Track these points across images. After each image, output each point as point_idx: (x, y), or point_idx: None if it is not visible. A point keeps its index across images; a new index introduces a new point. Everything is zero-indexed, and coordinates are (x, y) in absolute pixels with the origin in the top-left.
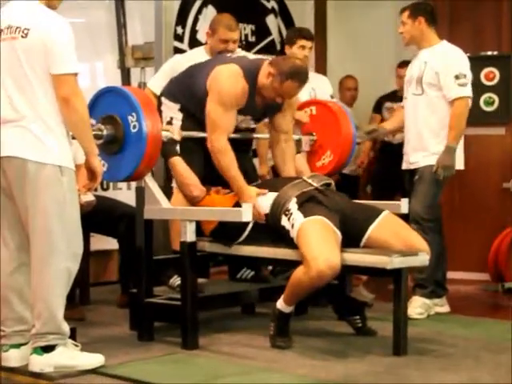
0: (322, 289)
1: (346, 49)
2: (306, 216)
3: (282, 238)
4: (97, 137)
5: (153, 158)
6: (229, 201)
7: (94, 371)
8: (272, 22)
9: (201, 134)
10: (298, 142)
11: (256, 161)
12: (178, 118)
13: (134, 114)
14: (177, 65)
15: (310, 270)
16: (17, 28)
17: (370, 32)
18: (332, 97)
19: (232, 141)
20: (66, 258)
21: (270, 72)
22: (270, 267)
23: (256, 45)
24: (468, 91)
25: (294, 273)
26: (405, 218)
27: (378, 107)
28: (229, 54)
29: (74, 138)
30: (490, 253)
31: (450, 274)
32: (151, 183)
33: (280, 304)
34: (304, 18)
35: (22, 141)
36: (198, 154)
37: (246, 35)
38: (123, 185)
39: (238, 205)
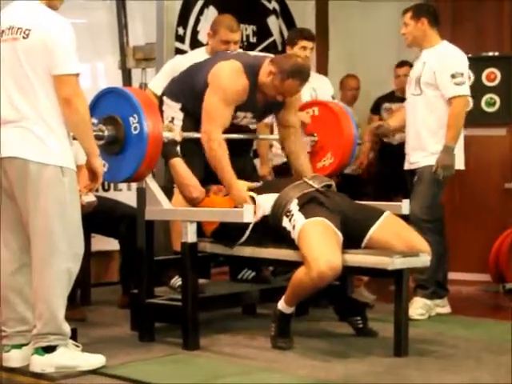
0: (323, 290)
1: (347, 49)
2: (307, 217)
3: (283, 239)
4: (98, 137)
5: (154, 159)
6: (229, 202)
7: (94, 372)
8: (273, 22)
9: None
10: None
11: (257, 161)
12: (179, 117)
13: (135, 115)
14: (178, 65)
15: (311, 270)
16: (18, 29)
17: (372, 32)
18: (333, 97)
19: (232, 141)
20: (67, 259)
21: (271, 70)
22: (271, 268)
23: (257, 46)
24: (465, 90)
25: (295, 274)
26: (406, 218)
27: (376, 108)
28: (229, 51)
29: (75, 138)
30: (491, 253)
31: (451, 275)
32: (152, 184)
33: (281, 305)
34: (305, 18)
35: (23, 141)
36: (198, 155)
37: (248, 36)
38: (124, 185)
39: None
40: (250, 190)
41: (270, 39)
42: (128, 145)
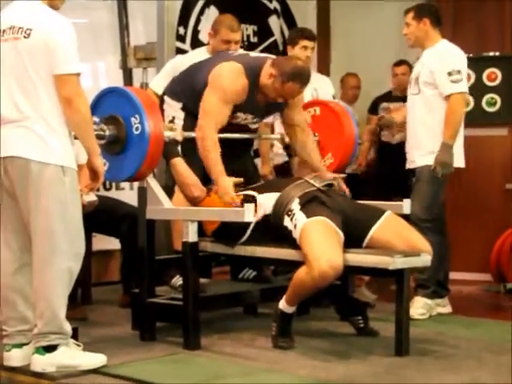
0: (325, 289)
1: (348, 48)
2: (308, 216)
3: (285, 238)
4: (99, 137)
5: (155, 159)
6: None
7: (95, 371)
8: (274, 22)
9: None
10: None
11: (258, 161)
12: (180, 117)
13: (137, 115)
14: (179, 65)
15: (313, 270)
16: (19, 28)
17: (373, 31)
18: (334, 97)
19: (233, 141)
20: (68, 258)
21: (271, 73)
22: (272, 267)
23: (258, 45)
24: (462, 87)
25: (297, 273)
26: (407, 218)
27: (374, 108)
28: (231, 52)
29: (76, 138)
30: (492, 253)
31: (452, 275)
32: (153, 183)
33: (282, 304)
34: (306, 18)
35: (25, 141)
36: (198, 153)
37: (248, 36)
38: (126, 185)
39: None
40: (240, 185)
41: (271, 39)
42: (129, 144)
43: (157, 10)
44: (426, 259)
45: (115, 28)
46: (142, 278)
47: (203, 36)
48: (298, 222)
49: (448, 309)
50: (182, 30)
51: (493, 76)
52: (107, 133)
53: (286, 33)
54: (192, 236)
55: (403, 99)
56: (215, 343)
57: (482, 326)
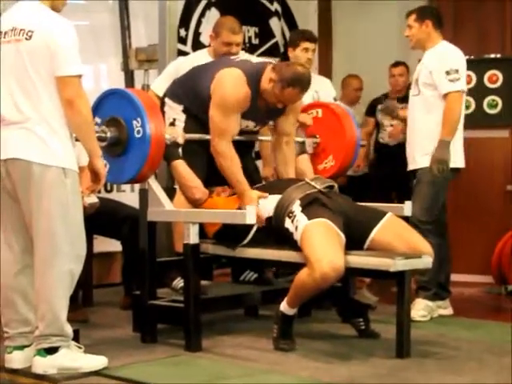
0: (326, 291)
1: (350, 50)
2: (309, 218)
3: (286, 240)
4: (100, 139)
5: (156, 161)
6: (231, 203)
7: (97, 373)
8: (275, 24)
9: (204, 137)
10: (302, 144)
11: (259, 163)
12: (181, 119)
13: (138, 118)
14: (180, 67)
15: (314, 271)
16: (21, 30)
17: (375, 33)
18: (335, 99)
19: (234, 142)
20: (70, 260)
21: (271, 78)
22: (274, 269)
23: (259, 47)
24: (459, 85)
25: (298, 275)
26: (407, 220)
27: (371, 110)
28: (233, 57)
29: (77, 139)
30: (493, 255)
31: (454, 277)
32: (155, 185)
33: (283, 306)
34: (307, 19)
35: (26, 143)
36: (200, 155)
37: (250, 38)
38: (127, 187)
39: (241, 207)
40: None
41: (273, 41)
42: (131, 147)
43: (158, 12)
44: (427, 261)
45: (116, 30)
46: (143, 279)
47: (204, 38)
48: (299, 223)
49: (449, 311)
50: (183, 32)
51: (494, 78)
52: (108, 135)
53: (288, 34)
54: (193, 238)
55: (401, 100)
56: (216, 345)
57: (484, 328)
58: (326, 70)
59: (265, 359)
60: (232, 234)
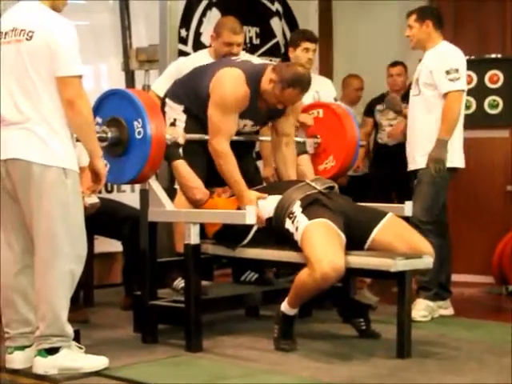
0: (326, 291)
1: (350, 50)
2: (310, 219)
3: (286, 240)
4: (101, 139)
5: (157, 161)
6: (232, 204)
7: (97, 373)
8: (276, 24)
9: (204, 137)
10: (303, 144)
11: (260, 163)
12: (182, 119)
13: (139, 119)
14: (181, 67)
15: (315, 272)
16: (21, 30)
17: (375, 33)
18: (335, 99)
19: (235, 142)
20: (70, 261)
21: (271, 78)
22: (274, 270)
23: (260, 47)
24: (459, 85)
25: (298, 275)
26: (407, 220)
27: (369, 111)
28: (234, 58)
29: (78, 140)
30: (494, 255)
31: (454, 277)
32: (155, 186)
33: (284, 306)
34: (308, 19)
35: (26, 143)
36: (200, 156)
37: (251, 38)
38: (127, 187)
39: (240, 208)
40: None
41: (273, 41)
42: (131, 147)
43: (159, 12)
44: (427, 261)
45: (117, 30)
46: (143, 280)
47: (205, 38)
48: (299, 224)
49: (450, 311)
50: (184, 33)
51: (495, 78)
52: (109, 135)
53: (288, 35)
54: (194, 238)
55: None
56: (217, 345)
57: (484, 328)
58: (326, 70)
59: (266, 359)
60: (232, 234)
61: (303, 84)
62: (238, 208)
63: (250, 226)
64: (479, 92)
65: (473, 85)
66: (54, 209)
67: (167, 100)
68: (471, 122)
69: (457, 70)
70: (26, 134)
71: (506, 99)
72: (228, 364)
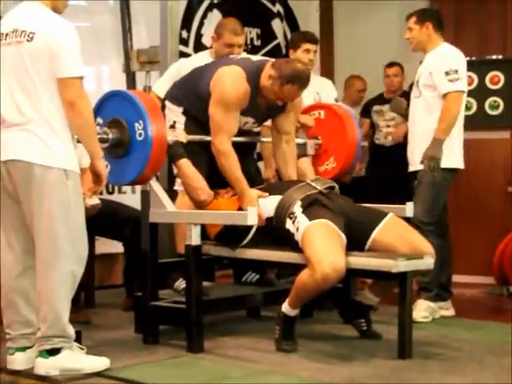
0: (327, 292)
1: (351, 51)
2: (310, 219)
3: (287, 241)
4: (102, 140)
5: (158, 163)
6: (234, 203)
7: (99, 374)
8: (278, 26)
9: (205, 138)
10: (304, 146)
11: (261, 164)
12: (181, 121)
13: (140, 121)
14: (182, 69)
15: (315, 272)
16: (22, 32)
17: (376, 34)
18: (336, 100)
19: (236, 143)
20: (71, 262)
21: (271, 74)
22: (275, 270)
23: (261, 49)
24: (458, 86)
25: (299, 276)
26: (408, 221)
27: (366, 111)
28: (232, 56)
29: (79, 141)
30: (494, 256)
31: (455, 278)
32: (156, 187)
33: (285, 307)
34: (309, 20)
35: (27, 144)
36: (202, 156)
37: (252, 39)
38: (128, 188)
39: (241, 208)
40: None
41: (275, 42)
42: (132, 148)
43: (160, 14)
44: (428, 262)
45: (118, 31)
46: (145, 281)
47: (206, 40)
48: (300, 224)
49: (451, 312)
50: (185, 34)
51: (495, 79)
52: (110, 136)
53: (289, 36)
54: (195, 239)
55: None
56: (218, 346)
57: (485, 329)
58: (327, 71)
59: (267, 360)
60: (233, 235)
61: (302, 80)
62: (240, 208)
63: (250, 226)
64: (480, 93)
65: (473, 86)
66: (55, 210)
67: (166, 102)
68: (472, 123)
69: (456, 71)
70: (27, 135)
71: (506, 100)
72: (229, 365)
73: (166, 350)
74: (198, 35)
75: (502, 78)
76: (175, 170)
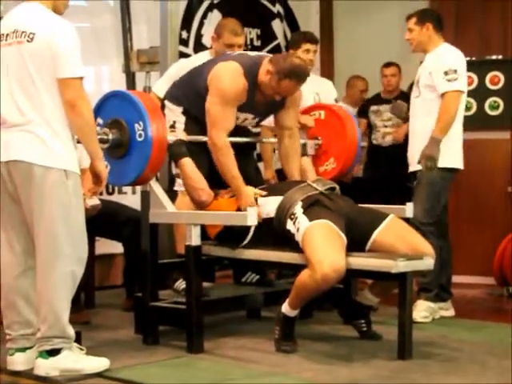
0: (327, 293)
1: (352, 51)
2: (311, 220)
3: (287, 241)
4: (102, 141)
5: (158, 163)
6: (234, 204)
7: (99, 375)
8: (278, 26)
9: (204, 138)
10: (304, 147)
11: (261, 165)
12: (181, 121)
13: (140, 122)
14: (182, 69)
15: (315, 273)
16: (22, 32)
17: (376, 34)
18: (336, 100)
19: (236, 144)
20: (71, 262)
21: (268, 70)
22: (276, 271)
23: (261, 49)
24: (457, 85)
25: (299, 276)
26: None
27: (363, 111)
28: (229, 52)
29: (79, 141)
30: (495, 257)
31: (455, 278)
32: (156, 187)
33: (285, 308)
34: (309, 20)
35: (28, 145)
36: (202, 156)
37: (252, 39)
38: (128, 189)
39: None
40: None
41: (275, 42)
42: (132, 149)
43: (160, 14)
44: (428, 262)
45: (118, 32)
46: (144, 281)
47: (206, 40)
48: (300, 225)
49: (451, 312)
50: (185, 34)
51: (495, 79)
52: (110, 137)
53: (289, 36)
54: (195, 240)
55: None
56: (218, 347)
57: (485, 330)
58: (327, 72)
59: (267, 361)
60: (234, 235)
61: (300, 75)
62: (238, 208)
63: (250, 226)
64: (480, 93)
65: (473, 86)
66: (56, 210)
67: (166, 102)
68: (472, 124)
69: (455, 71)
70: (27, 135)
71: (506, 100)
72: (229, 365)
73: (165, 350)
74: (198, 35)
75: (502, 78)
76: (174, 171)
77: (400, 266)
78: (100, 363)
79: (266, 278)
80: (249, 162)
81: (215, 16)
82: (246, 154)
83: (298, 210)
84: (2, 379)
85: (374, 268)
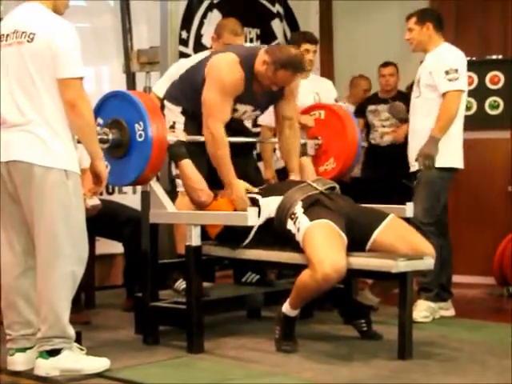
0: (328, 292)
1: (352, 50)
2: (311, 220)
3: (288, 241)
4: (102, 141)
5: (158, 163)
6: (232, 204)
7: (99, 375)
8: (277, 26)
9: (203, 139)
10: (304, 146)
11: (261, 165)
12: (181, 121)
13: (141, 122)
14: (182, 69)
15: (316, 272)
16: (23, 33)
17: (376, 34)
18: (336, 100)
19: (235, 143)
20: (72, 262)
21: (264, 60)
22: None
23: None
24: (458, 85)
25: (300, 276)
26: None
27: (360, 111)
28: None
29: (79, 142)
30: (495, 257)
31: (456, 278)
32: (156, 187)
33: (285, 308)
34: (309, 20)
35: (28, 145)
36: (201, 157)
37: (252, 39)
38: (128, 189)
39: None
40: (249, 192)
41: (274, 42)
42: (133, 149)
43: (160, 14)
44: (429, 262)
45: (118, 32)
46: (145, 281)
47: (206, 40)
48: (301, 225)
49: (451, 312)
50: (184, 34)
51: (496, 79)
52: (110, 137)
53: (289, 36)
54: (195, 240)
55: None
56: (219, 347)
57: (486, 329)
58: (327, 71)
59: (267, 361)
60: (234, 235)
61: (295, 65)
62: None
63: (251, 226)
64: (480, 93)
65: (473, 86)
66: (56, 210)
67: (165, 102)
68: (472, 123)
69: (456, 71)
70: (27, 136)
71: (506, 100)
72: (230, 365)
73: (166, 350)
74: (198, 35)
75: (502, 78)
76: (174, 171)
77: (400, 265)
78: (100, 363)
79: (267, 278)
80: (248, 162)
81: (215, 16)
82: (245, 154)
83: (299, 209)
84: (2, 379)
85: (374, 268)
